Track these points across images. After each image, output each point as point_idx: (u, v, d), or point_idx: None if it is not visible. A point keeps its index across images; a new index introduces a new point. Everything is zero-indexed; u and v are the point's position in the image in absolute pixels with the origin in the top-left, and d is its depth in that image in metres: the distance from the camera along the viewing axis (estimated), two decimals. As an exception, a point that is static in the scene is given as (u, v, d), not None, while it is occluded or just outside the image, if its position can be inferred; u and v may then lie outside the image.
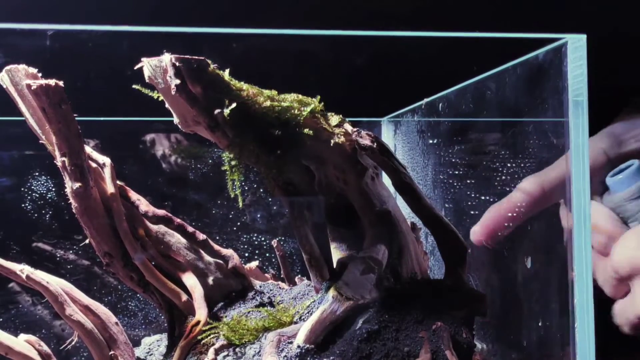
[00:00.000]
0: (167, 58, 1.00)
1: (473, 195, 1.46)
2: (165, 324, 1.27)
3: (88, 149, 1.18)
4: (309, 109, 1.05)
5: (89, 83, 1.29)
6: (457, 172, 1.53)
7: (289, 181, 1.17)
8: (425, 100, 1.56)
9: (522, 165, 1.28)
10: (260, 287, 1.32)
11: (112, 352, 1.13)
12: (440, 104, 1.51)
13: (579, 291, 0.99)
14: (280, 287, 1.34)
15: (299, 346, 1.00)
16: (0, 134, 1.49)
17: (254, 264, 1.42)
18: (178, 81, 0.99)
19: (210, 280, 1.26)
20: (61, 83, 1.02)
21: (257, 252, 1.80)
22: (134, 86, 1.09)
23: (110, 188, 1.18)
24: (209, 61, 1.00)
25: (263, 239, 1.81)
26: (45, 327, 1.68)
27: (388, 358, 0.99)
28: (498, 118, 1.34)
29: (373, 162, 1.17)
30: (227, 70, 1.02)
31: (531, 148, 1.23)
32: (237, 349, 1.09)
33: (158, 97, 1.09)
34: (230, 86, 1.01)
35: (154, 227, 1.25)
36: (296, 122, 1.04)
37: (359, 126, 1.14)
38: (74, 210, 1.14)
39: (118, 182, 1.21)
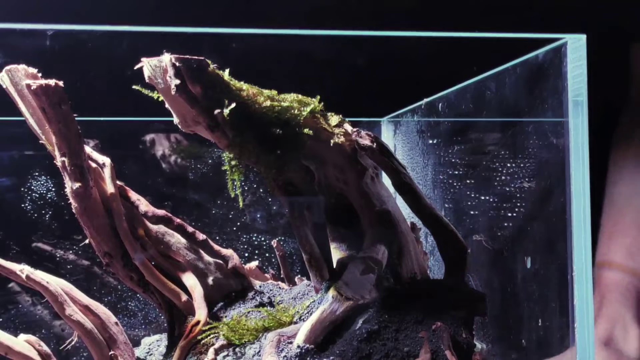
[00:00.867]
0: (167, 58, 0.99)
1: (473, 195, 1.46)
2: (165, 324, 1.27)
3: (88, 149, 1.18)
4: (308, 109, 1.05)
5: (89, 83, 1.30)
6: (457, 172, 1.53)
7: (289, 181, 1.17)
8: (425, 100, 1.57)
9: (522, 165, 1.28)
10: (260, 287, 1.32)
11: (112, 352, 1.13)
12: (440, 104, 1.51)
13: (579, 291, 0.99)
14: (280, 287, 1.33)
15: (298, 346, 1.00)
16: (0, 134, 1.49)
17: (253, 264, 1.42)
18: (178, 81, 0.99)
19: (210, 280, 1.26)
20: (61, 83, 1.02)
21: (257, 252, 1.80)
22: (134, 86, 1.09)
23: (110, 188, 1.18)
24: (209, 61, 1.00)
25: (263, 239, 1.81)
26: (45, 327, 1.69)
27: (388, 358, 0.99)
28: (498, 118, 1.34)
29: (373, 162, 1.17)
30: (227, 70, 1.02)
31: (531, 148, 1.23)
32: (237, 349, 1.09)
33: (158, 97, 1.09)
34: (230, 86, 1.01)
35: (154, 227, 1.25)
36: (296, 122, 1.04)
37: (359, 126, 1.14)
38: (73, 210, 1.14)
39: (118, 182, 1.21)
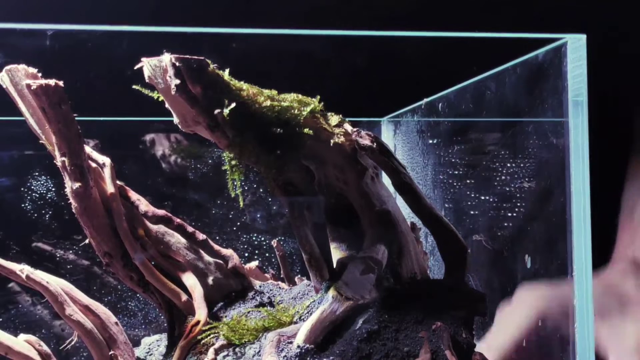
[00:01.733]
0: (167, 58, 0.99)
1: (473, 195, 1.46)
2: (165, 324, 1.27)
3: (88, 149, 1.18)
4: (308, 108, 1.05)
5: (89, 83, 1.30)
6: (457, 172, 1.53)
7: (289, 181, 1.17)
8: (425, 100, 1.57)
9: (522, 165, 1.28)
10: (260, 287, 1.32)
11: (112, 352, 1.13)
12: (440, 104, 1.51)
13: (579, 291, 0.99)
14: (280, 287, 1.33)
15: (298, 346, 1.00)
16: (0, 134, 1.49)
17: (253, 264, 1.42)
18: (178, 81, 0.99)
19: (210, 280, 1.26)
20: (61, 83, 1.02)
21: (257, 252, 1.80)
22: (134, 86, 1.09)
23: (110, 188, 1.18)
24: (209, 61, 1.00)
25: (263, 239, 1.81)
26: (45, 327, 1.69)
27: (388, 358, 0.99)
28: (498, 118, 1.34)
29: (373, 162, 1.17)
30: (227, 70, 1.02)
31: (531, 148, 1.23)
32: (237, 349, 1.09)
33: (158, 97, 1.09)
34: (230, 86, 1.01)
35: (154, 227, 1.25)
36: (296, 122, 1.04)
37: (359, 126, 1.14)
38: (73, 210, 1.14)
39: (118, 182, 1.21)
